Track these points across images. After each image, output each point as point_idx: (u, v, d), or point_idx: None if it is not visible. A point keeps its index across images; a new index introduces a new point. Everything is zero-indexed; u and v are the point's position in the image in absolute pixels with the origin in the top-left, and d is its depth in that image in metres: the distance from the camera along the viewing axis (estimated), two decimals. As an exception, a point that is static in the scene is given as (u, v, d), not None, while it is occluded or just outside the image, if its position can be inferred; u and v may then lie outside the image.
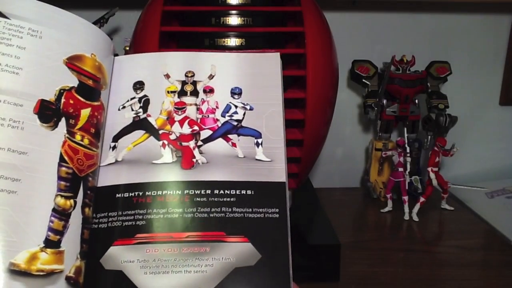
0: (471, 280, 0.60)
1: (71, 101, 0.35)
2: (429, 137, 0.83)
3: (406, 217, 0.76)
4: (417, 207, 0.76)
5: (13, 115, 0.32)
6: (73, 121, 0.35)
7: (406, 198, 0.77)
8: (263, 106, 0.39)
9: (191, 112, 0.40)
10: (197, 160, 0.38)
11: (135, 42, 0.59)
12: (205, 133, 0.40)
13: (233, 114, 0.40)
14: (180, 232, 0.35)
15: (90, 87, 0.37)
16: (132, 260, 0.34)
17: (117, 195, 0.37)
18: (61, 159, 0.34)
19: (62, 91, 0.35)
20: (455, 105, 0.83)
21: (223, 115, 0.40)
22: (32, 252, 0.31)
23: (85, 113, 0.36)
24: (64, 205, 0.33)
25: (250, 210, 0.35)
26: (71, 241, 0.33)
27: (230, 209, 0.35)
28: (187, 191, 0.36)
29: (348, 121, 0.94)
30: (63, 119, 0.35)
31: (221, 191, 0.36)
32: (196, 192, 0.36)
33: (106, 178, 0.38)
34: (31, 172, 0.32)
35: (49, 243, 0.32)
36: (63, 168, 0.34)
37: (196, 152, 0.38)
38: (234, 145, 0.39)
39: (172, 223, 0.35)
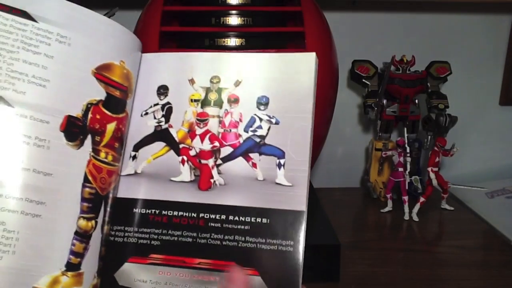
0: (471, 280, 0.59)
1: (98, 116, 0.33)
2: (429, 137, 0.83)
3: (406, 217, 0.76)
4: (417, 207, 0.76)
5: (39, 133, 0.30)
6: (99, 138, 0.33)
7: (406, 198, 0.77)
8: (290, 119, 0.36)
9: (213, 125, 0.37)
10: (215, 181, 0.36)
11: (135, 42, 0.59)
12: (226, 150, 0.37)
13: (257, 129, 0.36)
14: (193, 258, 0.34)
15: (117, 99, 0.35)
16: (145, 280, 0.34)
17: (134, 210, 0.36)
18: (85, 179, 0.32)
19: (89, 105, 0.32)
20: (455, 105, 0.82)
21: (246, 130, 0.37)
22: (54, 276, 0.30)
23: (110, 128, 0.34)
24: (86, 227, 0.32)
25: (264, 240, 0.33)
26: (90, 262, 0.32)
27: (243, 238, 0.34)
28: (203, 214, 0.35)
29: (348, 121, 0.94)
30: (89, 137, 0.32)
31: (236, 218, 0.34)
32: (211, 217, 0.35)
33: (125, 190, 0.36)
34: (55, 195, 0.30)
35: (70, 267, 0.31)
36: (87, 189, 0.32)
37: (214, 171, 0.36)
38: (254, 165, 0.36)
39: (185, 247, 0.34)
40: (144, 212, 0.36)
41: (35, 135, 0.29)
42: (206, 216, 0.35)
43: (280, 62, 0.37)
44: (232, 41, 0.57)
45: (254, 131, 0.36)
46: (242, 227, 0.34)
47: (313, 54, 0.37)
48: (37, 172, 0.29)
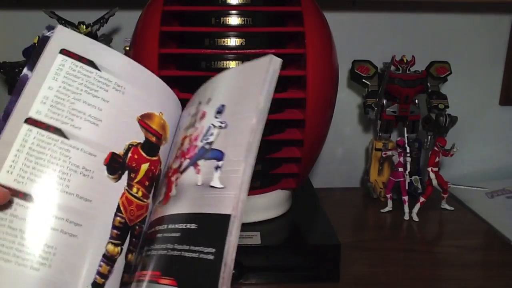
0: (471, 280, 0.59)
1: (136, 156, 0.37)
2: (429, 137, 0.83)
3: (406, 217, 0.76)
4: (417, 207, 0.76)
5: (86, 164, 0.33)
6: (134, 174, 0.37)
7: (406, 198, 0.77)
8: (237, 121, 0.34)
9: (185, 144, 0.38)
10: (171, 195, 0.36)
11: (135, 42, 0.59)
12: (186, 164, 0.36)
13: (209, 137, 0.35)
14: (140, 271, 0.33)
15: (153, 143, 0.39)
16: None
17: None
18: (118, 209, 0.35)
19: (130, 146, 0.36)
20: (455, 105, 0.83)
21: (201, 140, 0.36)
22: None
23: (144, 167, 0.37)
24: (113, 251, 0.35)
25: (188, 248, 0.30)
26: (113, 285, 0.34)
27: (172, 246, 0.32)
28: (155, 227, 0.35)
29: (348, 121, 0.94)
30: (126, 172, 0.36)
31: (172, 226, 0.33)
32: (159, 228, 0.34)
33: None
34: (91, 219, 0.33)
35: (95, 286, 0.33)
36: (118, 218, 0.35)
37: (173, 185, 0.36)
38: (198, 171, 0.35)
39: (131, 262, 0.35)
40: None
41: (83, 165, 0.33)
42: (157, 228, 0.35)
43: (242, 71, 0.37)
44: (232, 41, 0.57)
45: (207, 139, 0.36)
46: (174, 234, 0.32)
47: (270, 56, 0.34)
48: (79, 197, 0.33)
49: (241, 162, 0.31)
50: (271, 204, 0.65)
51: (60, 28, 0.35)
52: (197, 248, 0.30)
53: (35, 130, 0.32)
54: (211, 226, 0.30)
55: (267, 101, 0.33)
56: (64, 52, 0.34)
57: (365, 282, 0.59)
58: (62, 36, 0.35)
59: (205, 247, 0.29)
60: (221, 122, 0.35)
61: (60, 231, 0.32)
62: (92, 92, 0.35)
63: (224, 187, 0.31)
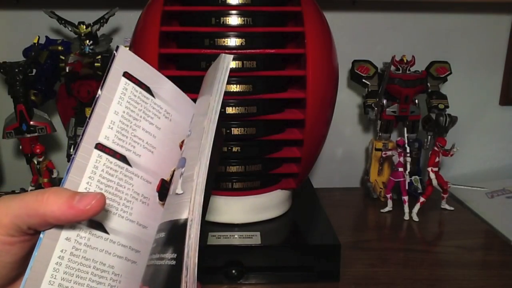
0: (471, 280, 0.59)
1: None
2: (429, 137, 0.83)
3: (406, 217, 0.76)
4: (417, 207, 0.76)
5: (144, 191, 0.34)
6: None
7: (406, 198, 0.77)
8: (196, 126, 0.35)
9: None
10: None
11: (135, 42, 0.59)
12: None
13: (184, 148, 0.36)
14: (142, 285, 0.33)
15: None
16: None
17: None
18: None
19: (173, 172, 0.36)
20: (455, 105, 0.83)
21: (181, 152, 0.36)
22: None
23: None
24: None
25: (158, 256, 0.31)
26: None
27: (150, 257, 0.32)
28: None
29: (348, 121, 0.94)
30: None
31: (154, 237, 0.34)
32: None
33: None
34: (147, 245, 0.33)
35: None
36: None
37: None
38: (172, 182, 0.35)
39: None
40: None
41: (142, 193, 0.34)
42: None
43: (205, 76, 0.38)
44: (232, 41, 0.57)
45: (182, 150, 0.36)
46: (153, 245, 0.33)
47: (221, 55, 0.35)
48: (139, 224, 0.33)
49: (194, 166, 0.31)
50: (271, 204, 0.65)
51: (122, 49, 0.33)
52: (163, 255, 0.31)
53: (104, 156, 0.32)
54: (174, 232, 0.31)
55: (218, 100, 0.33)
56: (126, 75, 0.34)
57: (365, 282, 0.59)
58: (125, 58, 0.34)
59: (170, 253, 0.30)
60: (189, 131, 0.36)
61: (125, 259, 0.32)
62: (149, 119, 0.35)
63: (183, 192, 0.32)
